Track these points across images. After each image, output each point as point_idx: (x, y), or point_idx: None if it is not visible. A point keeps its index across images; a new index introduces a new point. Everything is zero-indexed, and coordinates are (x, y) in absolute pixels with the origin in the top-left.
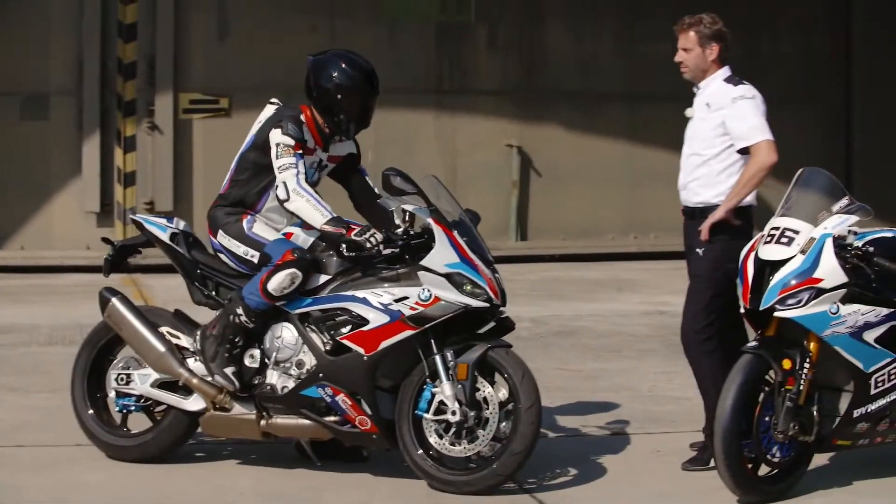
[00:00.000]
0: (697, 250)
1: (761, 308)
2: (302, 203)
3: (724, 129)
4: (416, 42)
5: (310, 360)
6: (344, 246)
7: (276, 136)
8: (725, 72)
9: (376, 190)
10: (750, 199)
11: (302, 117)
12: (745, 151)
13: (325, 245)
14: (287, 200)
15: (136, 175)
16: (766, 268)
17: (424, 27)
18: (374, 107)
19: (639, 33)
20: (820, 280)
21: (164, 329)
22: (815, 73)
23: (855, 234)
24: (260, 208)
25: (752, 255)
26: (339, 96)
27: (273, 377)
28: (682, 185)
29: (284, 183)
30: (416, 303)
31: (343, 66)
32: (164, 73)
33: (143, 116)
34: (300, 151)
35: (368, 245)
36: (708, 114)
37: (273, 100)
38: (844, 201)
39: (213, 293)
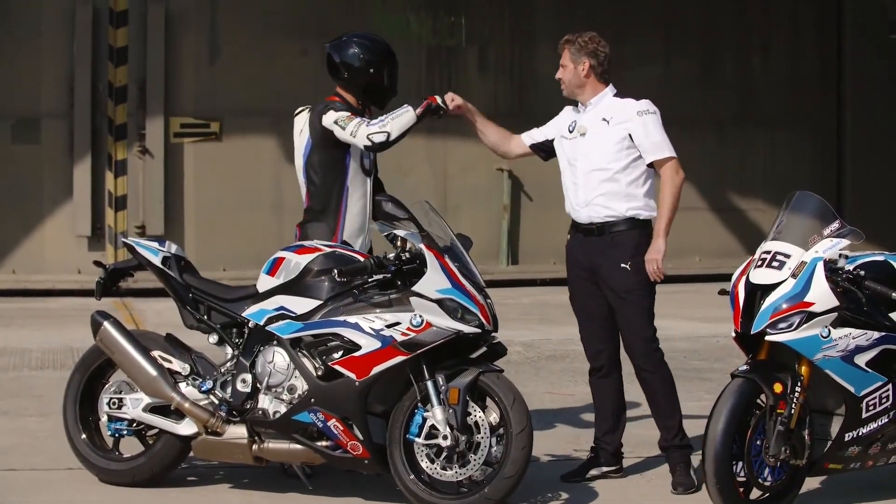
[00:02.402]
0: (624, 266)
1: (752, 332)
2: (394, 124)
3: (629, 141)
4: (406, 65)
5: (301, 386)
6: (336, 271)
7: (329, 118)
8: (612, 89)
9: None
10: (650, 211)
11: (338, 103)
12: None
13: (316, 270)
14: (389, 136)
15: (127, 199)
16: (758, 292)
17: (415, 50)
18: (397, 76)
19: (628, 56)
20: (811, 304)
21: (155, 353)
22: (806, 96)
23: (846, 257)
24: (344, 209)
25: (744, 278)
26: (370, 70)
27: (265, 402)
28: (582, 203)
29: (368, 137)
30: (408, 328)
31: (364, 42)
32: (155, 97)
33: (134, 140)
34: (357, 117)
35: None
36: (608, 128)
37: (299, 108)
38: (835, 225)
39: (206, 317)
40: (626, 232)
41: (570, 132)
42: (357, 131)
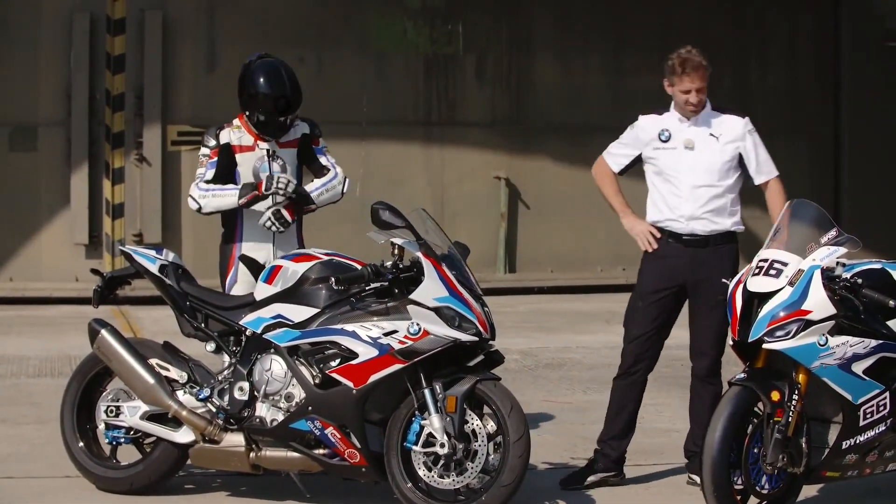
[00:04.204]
0: (725, 280)
1: (750, 340)
2: (211, 201)
3: (738, 159)
4: (404, 74)
5: (299, 394)
6: (333, 280)
7: (202, 148)
8: (708, 102)
9: (323, 162)
10: (742, 225)
11: (235, 121)
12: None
13: (313, 278)
14: (200, 209)
15: (124, 207)
16: (755, 300)
17: (412, 59)
18: (279, 122)
19: (627, 65)
20: (808, 312)
21: (153, 361)
22: (803, 105)
23: (843, 265)
24: (241, 224)
25: (741, 287)
26: (246, 108)
27: (262, 410)
28: (687, 216)
29: (189, 194)
30: (405, 336)
31: (260, 80)
32: (152, 105)
33: (132, 148)
34: (215, 158)
35: (280, 188)
36: (718, 145)
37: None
38: (833, 233)
39: (203, 325)
40: (728, 245)
41: (664, 141)
42: (192, 185)
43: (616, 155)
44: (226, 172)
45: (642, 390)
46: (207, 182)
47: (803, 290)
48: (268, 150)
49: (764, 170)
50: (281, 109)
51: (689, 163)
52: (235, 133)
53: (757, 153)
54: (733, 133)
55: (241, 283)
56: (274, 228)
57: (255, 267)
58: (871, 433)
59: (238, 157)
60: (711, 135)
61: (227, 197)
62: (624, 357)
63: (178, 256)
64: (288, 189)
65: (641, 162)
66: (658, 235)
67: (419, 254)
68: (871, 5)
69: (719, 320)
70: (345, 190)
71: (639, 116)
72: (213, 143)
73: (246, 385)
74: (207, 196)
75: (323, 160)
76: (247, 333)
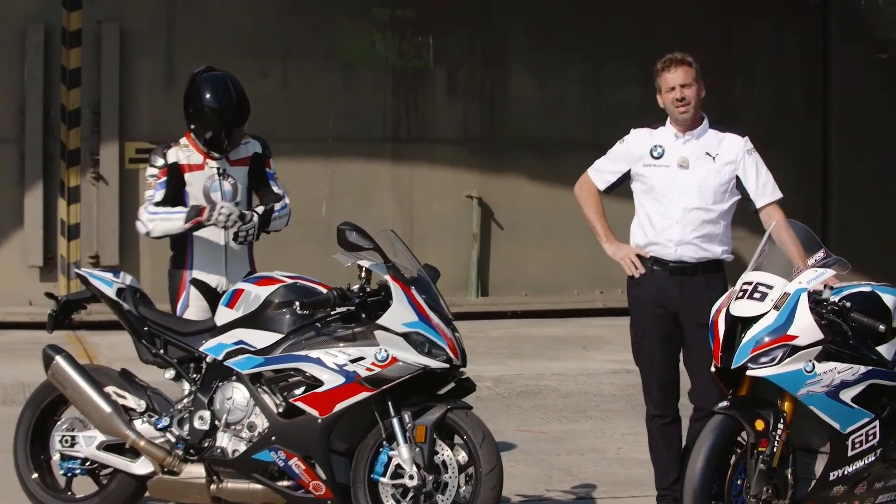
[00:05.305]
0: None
1: (733, 367)
2: (159, 225)
3: (735, 182)
4: (371, 88)
5: (262, 423)
6: (297, 304)
7: (148, 169)
8: (706, 118)
9: (275, 189)
10: (731, 254)
11: (182, 140)
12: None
13: (277, 302)
14: (149, 233)
15: (80, 227)
16: (738, 324)
17: (381, 73)
18: (230, 135)
19: (606, 78)
20: (794, 337)
21: (109, 389)
22: (790, 120)
23: (831, 288)
24: (191, 246)
25: (724, 311)
26: (192, 123)
27: (223, 440)
28: (676, 240)
29: (139, 217)
30: (373, 363)
31: (206, 94)
32: (110, 121)
33: (88, 166)
34: (164, 178)
35: (221, 220)
36: (714, 166)
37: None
38: (820, 254)
39: (162, 351)
40: (717, 274)
41: (657, 157)
42: (142, 203)
43: (602, 171)
44: (176, 193)
45: (680, 425)
46: (157, 204)
47: (789, 315)
48: (218, 169)
49: (763, 193)
50: (227, 123)
51: (684, 183)
52: (184, 152)
53: (758, 174)
54: (731, 153)
55: (194, 308)
56: (232, 234)
57: (207, 291)
58: (859, 464)
59: (187, 176)
60: (708, 153)
61: (175, 220)
62: (649, 395)
63: (135, 280)
64: (229, 221)
65: (629, 180)
66: (646, 255)
67: (387, 277)
68: (860, 17)
69: (706, 351)
70: (288, 223)
71: (630, 130)
72: (160, 162)
73: (206, 414)
74: (156, 220)
75: (274, 187)
76: (207, 360)
